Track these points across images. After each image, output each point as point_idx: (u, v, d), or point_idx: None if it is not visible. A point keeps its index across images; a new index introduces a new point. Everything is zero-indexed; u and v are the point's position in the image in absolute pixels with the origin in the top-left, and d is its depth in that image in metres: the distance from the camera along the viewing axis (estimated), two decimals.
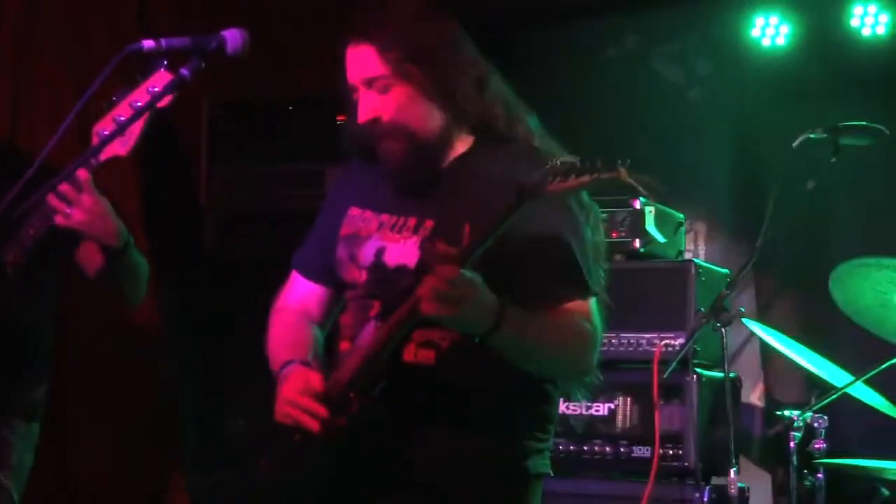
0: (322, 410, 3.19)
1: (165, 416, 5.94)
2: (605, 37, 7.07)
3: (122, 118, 3.56)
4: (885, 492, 5.37)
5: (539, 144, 3.37)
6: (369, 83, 3.30)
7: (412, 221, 3.34)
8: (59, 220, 3.72)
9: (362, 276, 3.39)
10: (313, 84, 6.15)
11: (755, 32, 6.56)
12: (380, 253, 3.35)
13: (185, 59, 3.39)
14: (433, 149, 3.34)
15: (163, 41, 3.49)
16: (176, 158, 6.08)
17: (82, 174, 3.67)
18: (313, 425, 3.19)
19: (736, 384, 5.60)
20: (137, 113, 3.50)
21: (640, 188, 2.89)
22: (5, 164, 4.12)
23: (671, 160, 6.55)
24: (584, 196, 3.31)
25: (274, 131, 5.78)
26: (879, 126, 4.95)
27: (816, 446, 5.19)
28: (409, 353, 3.24)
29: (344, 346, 3.40)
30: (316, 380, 3.25)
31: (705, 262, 5.99)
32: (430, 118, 3.32)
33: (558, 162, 2.94)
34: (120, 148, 3.62)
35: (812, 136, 4.91)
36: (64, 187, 3.66)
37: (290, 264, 3.66)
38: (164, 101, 3.46)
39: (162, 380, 5.92)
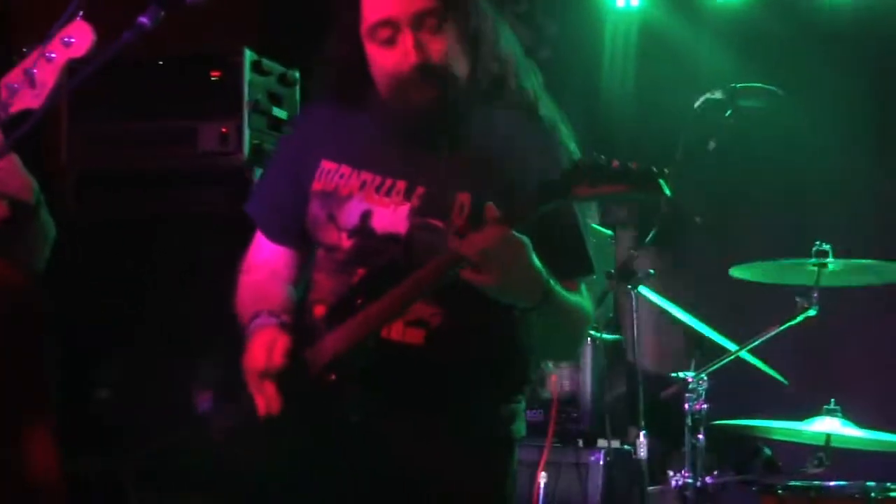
0: (275, 402, 2.99)
1: (31, 386, 5.64)
2: None
3: (33, 70, 3.30)
4: (768, 451, 5.45)
5: (543, 111, 3.16)
6: (419, 20, 3.00)
7: (401, 185, 3.09)
8: None
9: (343, 239, 3.13)
10: (184, 40, 5.91)
11: None
12: (366, 216, 3.10)
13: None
14: (462, 101, 3.07)
15: None
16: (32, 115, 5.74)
17: None
18: (262, 409, 3.01)
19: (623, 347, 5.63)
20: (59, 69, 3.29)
21: (680, 208, 2.76)
22: None
23: None
24: None
25: (142, 88, 5.50)
26: (773, 87, 4.99)
27: (698, 407, 5.23)
28: (397, 332, 3.04)
29: (319, 310, 3.11)
30: (282, 343, 3.00)
31: None
32: (464, 65, 3.08)
33: (587, 160, 2.69)
34: (32, 100, 3.33)
35: (711, 97, 4.92)
36: None
37: (247, 214, 3.39)
38: (80, 52, 3.27)
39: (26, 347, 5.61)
